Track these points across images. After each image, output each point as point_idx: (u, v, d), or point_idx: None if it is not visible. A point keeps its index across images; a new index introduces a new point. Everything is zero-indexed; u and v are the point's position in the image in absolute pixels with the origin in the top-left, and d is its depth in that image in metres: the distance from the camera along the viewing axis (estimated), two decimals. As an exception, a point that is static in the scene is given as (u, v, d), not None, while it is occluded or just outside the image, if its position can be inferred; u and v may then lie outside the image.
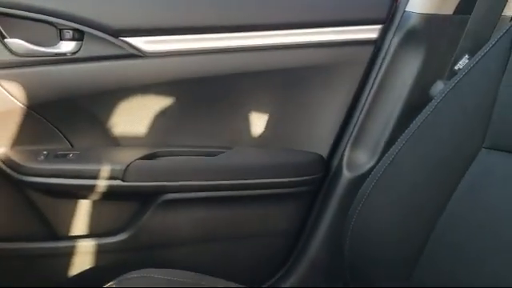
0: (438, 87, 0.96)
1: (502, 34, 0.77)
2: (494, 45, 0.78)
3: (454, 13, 0.98)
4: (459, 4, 0.98)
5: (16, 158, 1.04)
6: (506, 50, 0.76)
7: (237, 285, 0.93)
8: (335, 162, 1.11)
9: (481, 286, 0.70)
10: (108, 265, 1.04)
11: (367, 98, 1.08)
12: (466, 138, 0.79)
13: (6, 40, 0.98)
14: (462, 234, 0.77)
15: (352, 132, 1.10)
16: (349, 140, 1.11)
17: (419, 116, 0.85)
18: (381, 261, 0.87)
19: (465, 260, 0.76)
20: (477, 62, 0.80)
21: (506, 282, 0.68)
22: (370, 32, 1.05)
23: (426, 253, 0.80)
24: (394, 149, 0.87)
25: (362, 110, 1.09)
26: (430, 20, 0.99)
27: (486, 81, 0.78)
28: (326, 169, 1.11)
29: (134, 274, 0.91)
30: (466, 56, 0.94)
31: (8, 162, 1.04)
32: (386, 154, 0.90)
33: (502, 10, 0.93)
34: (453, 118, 0.82)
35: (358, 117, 1.09)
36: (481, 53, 0.79)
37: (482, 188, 0.75)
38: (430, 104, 0.85)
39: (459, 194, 0.78)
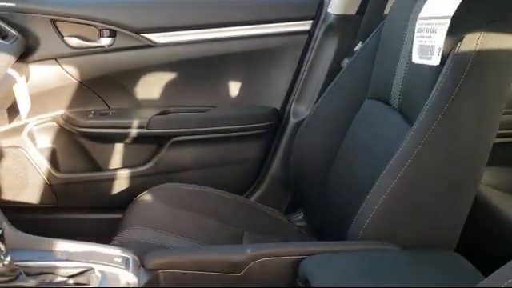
0: (345, 61, 1.41)
1: (378, 28, 1.23)
2: (373, 35, 1.24)
3: (356, 13, 1.42)
4: (359, 7, 1.42)
5: (73, 116, 1.46)
6: (378, 38, 1.21)
7: (227, 193, 1.38)
8: (285, 113, 1.54)
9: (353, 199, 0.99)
10: (138, 185, 1.46)
11: (304, 69, 1.50)
12: (358, 91, 1.24)
13: (64, 38, 1.40)
14: (346, 167, 1.17)
15: (295, 92, 1.52)
16: (294, 98, 1.52)
17: (334, 80, 1.30)
18: (310, 173, 1.30)
19: (347, 181, 1.14)
20: (364, 46, 1.26)
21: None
22: (305, 25, 1.48)
23: (331, 174, 1.22)
24: (317, 103, 1.33)
25: (301, 77, 1.51)
26: (340, 18, 1.41)
27: (369, 57, 1.22)
28: (278, 117, 1.54)
29: (158, 187, 1.36)
30: (360, 42, 1.39)
31: (68, 120, 1.47)
32: (312, 107, 1.36)
33: (383, 11, 1.38)
34: (352, 79, 1.26)
35: (299, 82, 1.51)
36: (367, 40, 1.25)
37: (360, 130, 1.18)
38: (340, 71, 1.31)
39: (348, 135, 1.21)
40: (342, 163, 1.19)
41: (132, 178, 1.51)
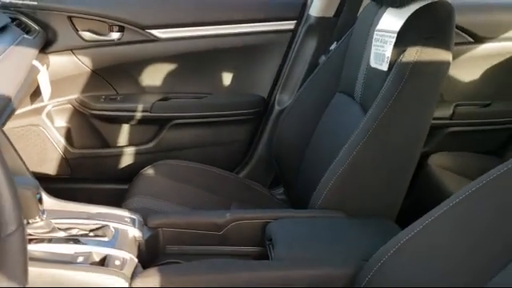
0: (322, 58, 1.60)
1: (349, 31, 1.40)
2: (345, 37, 1.41)
3: (333, 16, 1.59)
4: (336, 10, 1.59)
5: (86, 100, 1.65)
6: (348, 40, 1.39)
7: (219, 169, 1.57)
8: (271, 101, 1.73)
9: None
10: (142, 161, 1.66)
11: (288, 63, 1.68)
12: (331, 84, 1.42)
13: (78, 32, 1.58)
14: (316, 150, 1.35)
15: (280, 83, 1.70)
16: (278, 88, 1.71)
17: (312, 74, 1.48)
18: (288, 154, 1.47)
19: (315, 162, 1.32)
20: (338, 46, 1.43)
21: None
22: (289, 25, 1.65)
23: (305, 156, 1.39)
24: (296, 95, 1.52)
25: (285, 70, 1.69)
26: (320, 20, 1.58)
27: (341, 56, 1.39)
28: (265, 105, 1.73)
29: (159, 163, 1.55)
30: (335, 42, 1.57)
31: (81, 103, 1.66)
32: (294, 96, 1.55)
33: (356, 14, 1.54)
34: (327, 73, 1.43)
35: (283, 74, 1.69)
36: (340, 41, 1.43)
37: (329, 119, 1.37)
38: (317, 67, 1.49)
39: (320, 123, 1.38)
40: (314, 147, 1.39)
41: (136, 154, 1.71)
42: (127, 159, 1.73)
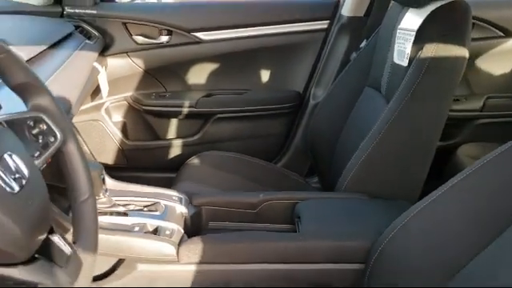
0: (353, 55, 1.69)
1: (377, 30, 1.49)
2: (373, 35, 1.51)
3: (364, 15, 1.69)
4: (366, 10, 1.68)
5: (139, 97, 1.83)
6: (377, 36, 1.48)
7: (258, 159, 1.70)
8: (306, 96, 1.84)
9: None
10: (188, 152, 1.81)
11: (322, 60, 1.79)
12: (361, 80, 1.52)
13: (132, 36, 1.76)
14: (347, 139, 1.44)
15: (314, 79, 1.81)
16: (313, 83, 1.82)
17: (343, 70, 1.59)
18: (322, 145, 1.57)
19: (346, 151, 1.39)
20: (367, 44, 1.53)
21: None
22: (323, 25, 1.77)
23: (336, 146, 1.50)
24: (330, 87, 1.63)
25: (319, 67, 1.80)
26: (351, 19, 1.68)
27: (370, 52, 1.49)
28: (300, 99, 1.85)
29: (203, 154, 1.70)
30: (365, 40, 1.66)
31: (135, 100, 1.84)
32: (327, 90, 1.66)
33: (385, 12, 1.62)
34: (357, 69, 1.52)
35: (318, 71, 1.81)
36: (369, 39, 1.53)
37: (358, 111, 1.47)
38: (348, 64, 1.59)
39: (351, 115, 1.48)
40: (344, 138, 1.49)
41: (183, 146, 1.88)
42: (175, 150, 1.89)
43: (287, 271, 0.96)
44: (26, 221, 0.56)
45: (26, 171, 0.58)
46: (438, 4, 1.15)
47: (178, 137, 1.90)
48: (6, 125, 0.63)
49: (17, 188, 0.55)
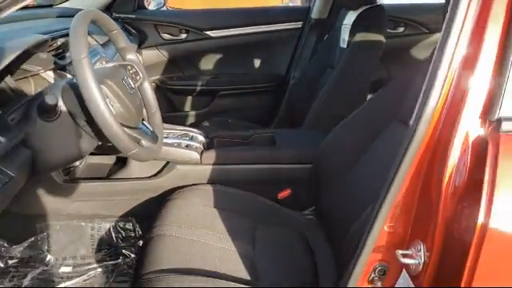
0: (319, 46, 2.29)
1: (333, 26, 2.09)
2: (332, 29, 2.10)
3: (327, 17, 2.28)
4: (328, 13, 2.27)
5: (164, 79, 2.41)
6: (333, 31, 2.08)
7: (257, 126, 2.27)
8: (287, 77, 2.41)
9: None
10: (200, 120, 2.43)
11: (298, 50, 2.35)
12: (325, 63, 2.12)
13: (160, 34, 2.35)
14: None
15: (293, 64, 2.38)
16: (292, 68, 2.39)
17: (314, 57, 2.18)
18: (301, 103, 2.22)
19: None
20: (328, 37, 2.13)
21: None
22: (298, 24, 2.35)
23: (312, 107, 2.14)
24: (304, 69, 2.22)
25: (296, 55, 2.36)
26: (318, 20, 2.26)
27: (330, 42, 2.10)
28: (283, 79, 2.42)
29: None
30: (327, 34, 2.25)
31: (161, 81, 2.42)
32: (302, 72, 2.25)
33: (338, 14, 2.22)
34: (322, 55, 2.15)
35: (295, 57, 2.38)
36: (329, 33, 2.12)
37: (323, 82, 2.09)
38: (317, 52, 2.18)
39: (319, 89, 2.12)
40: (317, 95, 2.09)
41: (196, 116, 2.47)
42: (190, 119, 2.48)
43: (268, 169, 1.55)
44: (137, 108, 1.15)
45: (132, 85, 1.17)
46: (364, 8, 1.75)
47: (193, 109, 2.48)
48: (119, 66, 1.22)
49: (132, 91, 1.15)
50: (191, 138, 1.63)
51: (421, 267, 0.76)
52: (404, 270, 0.82)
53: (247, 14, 2.39)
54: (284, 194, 1.53)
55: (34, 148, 1.07)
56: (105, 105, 0.99)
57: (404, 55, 2.33)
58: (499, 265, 0.66)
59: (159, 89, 2.44)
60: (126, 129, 1.08)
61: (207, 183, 1.51)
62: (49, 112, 1.04)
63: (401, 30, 2.30)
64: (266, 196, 1.48)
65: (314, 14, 2.29)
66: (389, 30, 2.23)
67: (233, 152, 1.57)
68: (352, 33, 1.73)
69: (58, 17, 1.96)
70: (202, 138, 1.67)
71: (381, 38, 1.71)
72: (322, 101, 1.74)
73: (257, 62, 2.46)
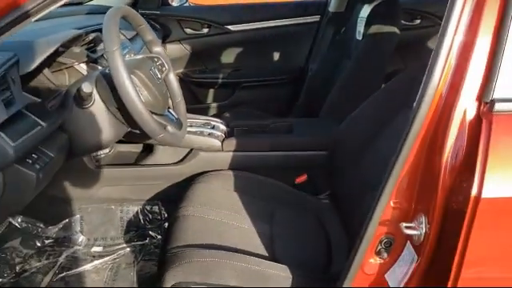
0: (337, 38, 2.34)
1: (350, 19, 2.14)
2: (349, 22, 2.16)
3: (344, 10, 2.33)
4: (346, 7, 2.32)
5: (187, 72, 2.51)
6: (350, 24, 2.14)
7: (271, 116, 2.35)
8: (305, 68, 2.47)
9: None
10: (222, 112, 2.52)
11: (316, 43, 2.41)
12: (343, 54, 2.18)
13: (183, 29, 2.45)
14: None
15: (311, 57, 2.45)
16: (310, 60, 2.46)
17: (331, 48, 2.24)
18: (318, 92, 2.28)
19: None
20: (345, 29, 2.18)
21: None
22: (316, 18, 2.40)
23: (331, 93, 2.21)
24: (322, 61, 2.28)
25: (314, 47, 2.42)
26: (335, 14, 2.30)
27: (347, 34, 2.16)
28: (301, 71, 2.47)
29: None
30: (344, 27, 2.30)
31: (184, 74, 2.52)
32: (320, 63, 2.31)
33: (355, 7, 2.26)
34: (339, 47, 2.20)
35: (314, 51, 2.44)
36: (347, 26, 2.18)
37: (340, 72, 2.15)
38: (334, 44, 2.25)
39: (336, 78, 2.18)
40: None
41: (219, 107, 2.55)
42: (212, 111, 2.57)
43: (286, 155, 1.62)
44: (164, 97, 1.24)
45: (159, 75, 1.26)
46: (379, 1, 1.80)
47: (215, 101, 2.57)
48: (146, 58, 1.31)
49: (158, 81, 1.24)
50: (213, 127, 1.72)
51: (422, 237, 0.83)
52: (408, 242, 0.89)
53: (266, 8, 2.46)
54: (301, 178, 1.61)
55: (71, 132, 1.18)
56: (135, 92, 1.09)
57: (420, 47, 2.36)
58: (490, 230, 0.73)
59: (182, 82, 2.53)
60: (153, 115, 1.18)
61: (228, 169, 1.59)
62: (84, 99, 1.15)
63: (417, 22, 2.34)
64: (284, 181, 1.56)
65: (332, 8, 2.34)
66: (405, 23, 2.29)
67: (252, 140, 1.65)
68: (367, 25, 1.79)
69: (88, 13, 2.08)
70: (223, 127, 1.76)
71: (395, 30, 1.76)
72: (338, 91, 1.81)
73: (276, 55, 2.54)
